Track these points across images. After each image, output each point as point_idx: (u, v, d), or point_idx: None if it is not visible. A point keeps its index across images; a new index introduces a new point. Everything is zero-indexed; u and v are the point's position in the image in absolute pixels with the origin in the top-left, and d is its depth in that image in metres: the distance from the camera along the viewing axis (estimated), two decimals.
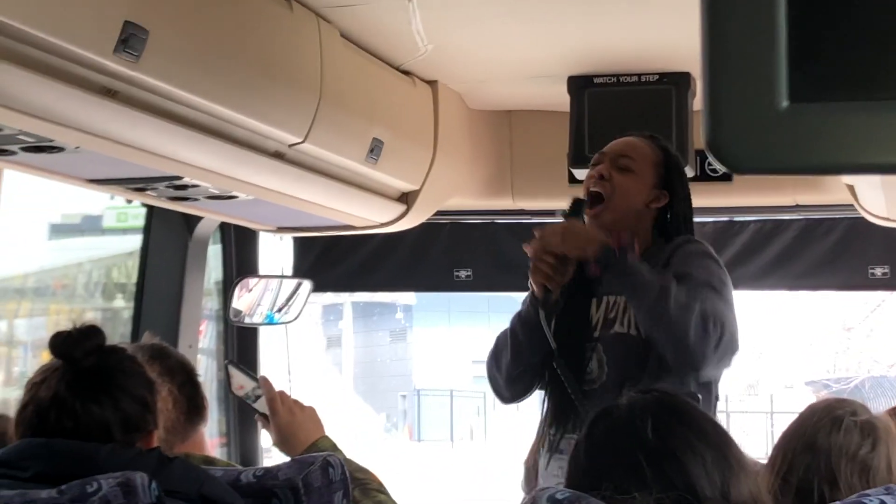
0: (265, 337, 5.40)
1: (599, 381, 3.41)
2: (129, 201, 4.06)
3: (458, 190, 4.66)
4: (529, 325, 3.44)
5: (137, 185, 3.52)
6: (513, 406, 3.67)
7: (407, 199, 4.37)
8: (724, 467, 1.85)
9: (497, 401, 3.70)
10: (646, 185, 3.50)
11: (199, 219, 4.51)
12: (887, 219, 4.33)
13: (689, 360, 3.24)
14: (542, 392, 3.55)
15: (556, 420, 3.47)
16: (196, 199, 3.75)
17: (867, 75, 0.87)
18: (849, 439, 2.66)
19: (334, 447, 3.01)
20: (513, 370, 3.50)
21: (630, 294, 3.32)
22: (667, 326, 3.21)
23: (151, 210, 4.51)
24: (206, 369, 5.20)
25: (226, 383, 5.02)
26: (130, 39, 2.55)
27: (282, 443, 3.02)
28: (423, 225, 4.64)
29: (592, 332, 3.44)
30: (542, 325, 3.38)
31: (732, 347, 3.29)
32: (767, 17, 0.86)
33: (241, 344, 5.11)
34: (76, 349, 2.39)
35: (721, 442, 1.87)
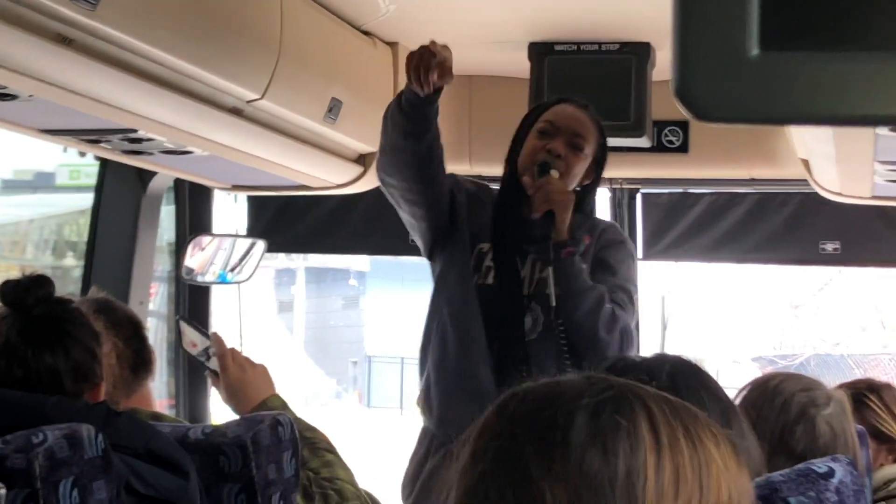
0: (217, 298, 5.37)
1: (529, 337, 3.49)
2: (83, 154, 4.01)
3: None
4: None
5: (91, 136, 3.48)
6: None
7: (364, 160, 4.35)
8: (726, 427, 1.86)
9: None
10: (585, 168, 3.63)
11: (152, 174, 4.46)
12: (840, 194, 4.35)
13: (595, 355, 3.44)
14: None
15: (503, 376, 3.50)
16: (151, 154, 3.72)
17: (838, 26, 0.86)
18: (797, 411, 2.67)
19: (284, 406, 3.00)
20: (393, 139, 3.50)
21: (570, 292, 3.46)
22: (591, 333, 3.45)
23: (105, 164, 4.46)
24: (156, 331, 5.17)
25: (176, 339, 4.99)
26: None
27: (231, 399, 3.00)
28: (379, 188, 4.61)
29: (522, 287, 3.58)
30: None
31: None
32: None
33: (192, 303, 5.07)
34: (27, 297, 2.37)
35: (730, 408, 1.89)
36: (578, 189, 3.65)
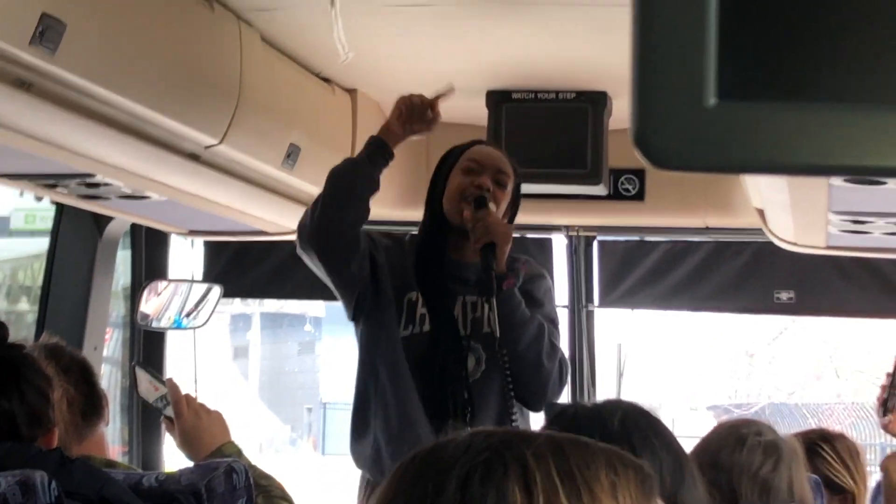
0: (172, 343, 5.34)
1: (473, 378, 3.50)
2: (39, 198, 3.99)
3: (373, 200, 4.64)
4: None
5: (48, 181, 3.47)
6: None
7: None
8: (677, 475, 1.85)
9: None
10: (503, 205, 3.66)
11: (109, 219, 4.45)
12: (794, 243, 4.39)
13: (541, 394, 3.53)
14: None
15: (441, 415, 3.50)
16: (108, 199, 3.71)
17: (794, 76, 0.87)
18: (751, 458, 2.69)
19: (239, 453, 2.98)
20: (332, 205, 3.54)
21: (514, 323, 3.48)
22: (536, 362, 3.50)
23: (61, 209, 4.44)
24: (110, 377, 5.13)
25: (131, 385, 4.96)
26: (47, 32, 2.51)
27: (186, 446, 2.98)
28: None
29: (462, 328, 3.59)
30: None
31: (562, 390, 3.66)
32: (697, 14, 0.86)
33: (147, 349, 5.04)
34: None
35: (681, 453, 1.88)
36: None
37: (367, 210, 3.58)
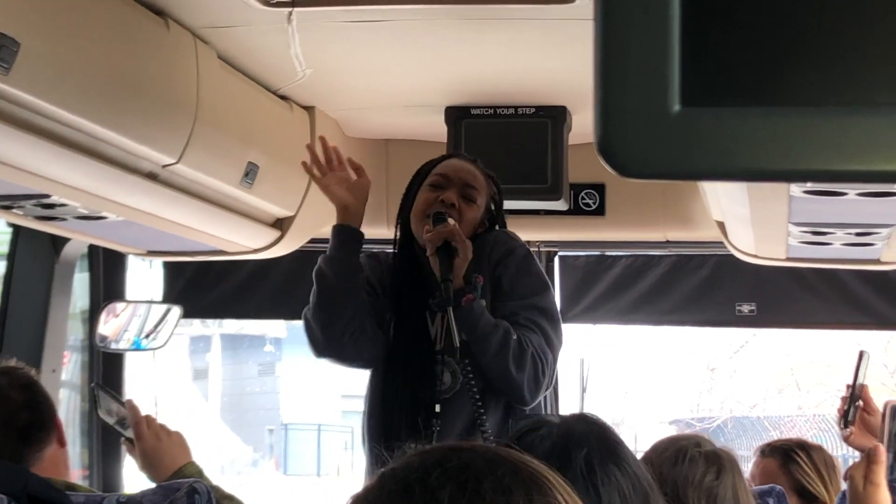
0: (131, 365, 5.30)
1: (452, 391, 3.48)
2: None
3: (333, 217, 4.61)
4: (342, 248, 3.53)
5: (3, 202, 3.43)
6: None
7: (281, 225, 4.33)
8: None
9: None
10: (479, 217, 3.63)
11: (66, 241, 4.41)
12: (755, 256, 4.40)
13: (519, 398, 3.49)
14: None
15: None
16: (64, 220, 3.67)
17: (759, 81, 0.87)
18: (693, 469, 2.70)
19: (201, 473, 2.96)
20: (329, 318, 3.53)
21: (475, 338, 3.44)
22: (503, 373, 3.45)
23: (17, 231, 4.40)
24: (69, 401, 5.09)
25: (90, 409, 4.91)
26: (1, 51, 2.48)
27: (147, 467, 2.95)
28: (296, 252, 4.59)
29: (433, 344, 3.56)
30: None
31: (552, 376, 3.59)
32: (660, 20, 0.86)
33: (106, 371, 5.01)
34: None
35: (647, 487, 1.87)
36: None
37: (360, 297, 3.56)
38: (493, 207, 3.68)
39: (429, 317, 3.57)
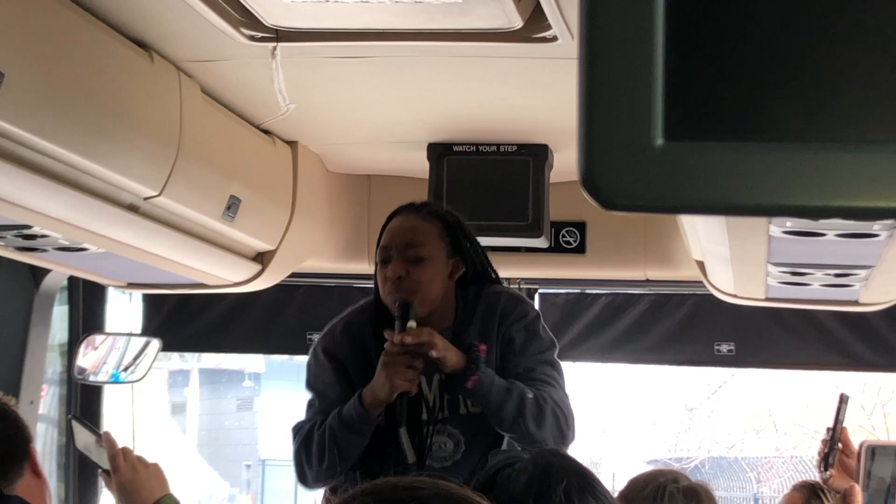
0: (109, 399, 5.29)
1: (453, 459, 3.43)
2: None
3: (314, 252, 4.64)
4: (352, 430, 3.36)
5: None
6: None
7: (262, 258, 4.33)
8: None
9: None
10: (442, 265, 3.46)
11: (46, 272, 4.40)
12: (734, 295, 4.41)
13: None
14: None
15: None
16: (45, 251, 3.67)
17: (742, 116, 0.88)
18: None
19: None
20: (329, 470, 3.41)
21: (491, 411, 3.34)
22: (525, 433, 3.31)
23: None
24: (46, 434, 5.07)
25: (67, 443, 4.89)
26: None
27: (124, 500, 2.94)
28: (277, 286, 4.60)
29: (432, 411, 3.44)
30: (367, 430, 3.34)
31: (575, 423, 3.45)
32: (645, 53, 0.87)
33: (84, 403, 5.00)
34: None
35: None
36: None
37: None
38: (463, 245, 3.51)
39: (424, 380, 3.42)
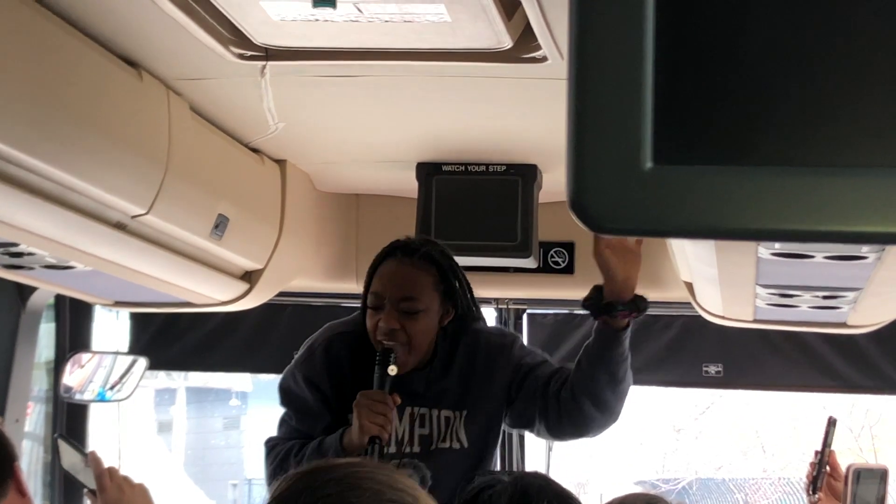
0: (95, 418, 5.27)
1: None
2: None
3: (302, 271, 4.63)
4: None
5: None
6: None
7: (250, 277, 4.32)
8: None
9: None
10: (435, 315, 3.50)
11: (32, 290, 4.39)
12: (723, 317, 4.41)
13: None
14: None
15: None
16: (32, 269, 3.65)
17: (731, 140, 0.88)
18: None
19: None
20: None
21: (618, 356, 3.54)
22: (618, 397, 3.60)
23: None
24: (31, 453, 5.05)
25: (53, 462, 4.87)
26: None
27: None
28: (265, 305, 4.59)
29: (401, 444, 3.47)
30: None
31: None
32: (633, 77, 0.86)
33: (70, 422, 4.98)
34: None
35: None
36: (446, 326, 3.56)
37: None
38: (455, 289, 3.54)
39: (395, 413, 3.39)
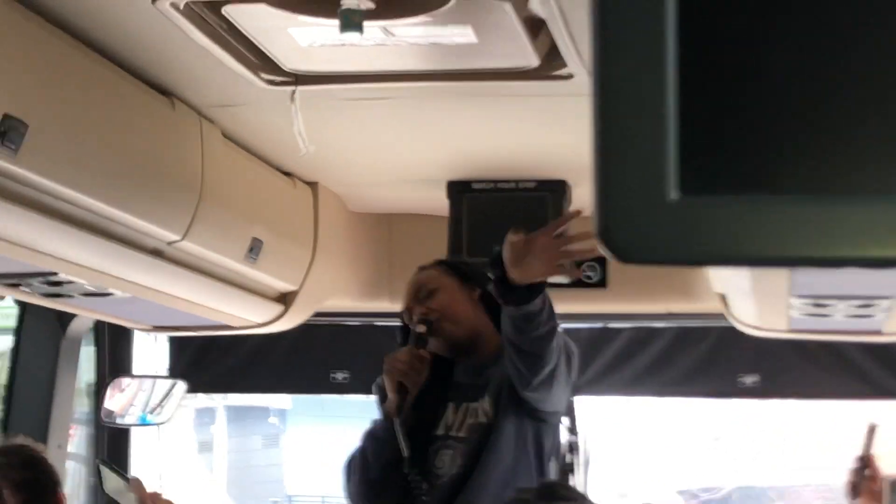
0: (137, 439, 5.31)
1: (448, 475, 3.50)
2: (1, 297, 3.98)
3: (336, 291, 4.65)
4: (379, 441, 3.61)
5: (11, 280, 3.45)
6: None
7: (285, 299, 4.35)
8: None
9: None
10: (455, 289, 3.73)
11: (72, 316, 4.43)
12: (757, 328, 4.41)
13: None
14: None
15: None
16: (71, 297, 3.70)
17: (757, 170, 0.88)
18: None
19: None
20: (361, 484, 3.65)
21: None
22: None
23: (24, 307, 4.43)
24: (75, 475, 5.09)
25: (96, 483, 4.91)
26: (9, 133, 2.52)
27: None
28: (300, 326, 4.61)
29: (447, 431, 3.60)
30: (391, 440, 3.55)
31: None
32: (659, 108, 0.88)
33: (112, 445, 5.02)
34: None
35: None
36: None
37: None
38: (470, 274, 3.77)
39: (452, 408, 3.66)
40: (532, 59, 2.95)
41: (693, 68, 0.90)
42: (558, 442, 3.88)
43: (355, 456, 3.66)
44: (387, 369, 3.60)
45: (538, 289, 3.33)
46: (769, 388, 5.15)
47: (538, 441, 3.65)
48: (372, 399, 3.84)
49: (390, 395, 3.57)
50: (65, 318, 4.46)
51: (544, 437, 3.66)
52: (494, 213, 4.26)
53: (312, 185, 4.26)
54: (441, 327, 3.65)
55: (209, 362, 5.30)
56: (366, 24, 2.59)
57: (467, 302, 3.72)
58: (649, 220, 0.90)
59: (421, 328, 3.58)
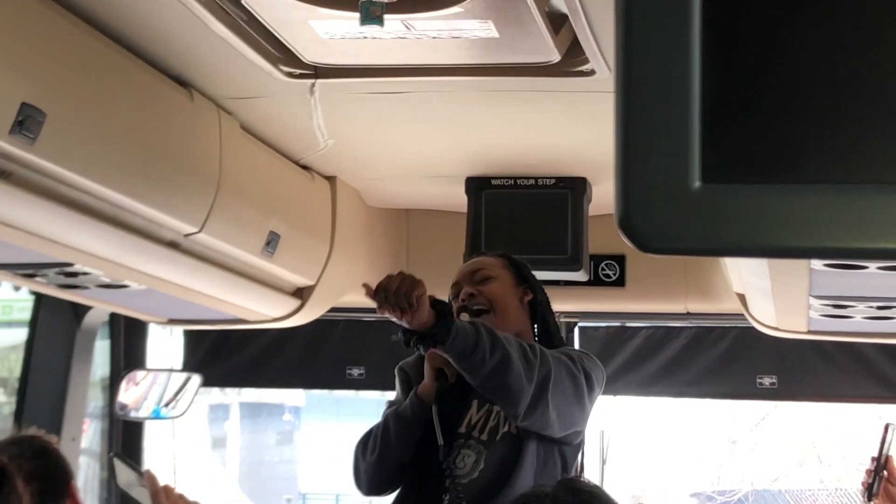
0: (150, 434, 5.30)
1: (469, 478, 3.47)
2: (17, 288, 3.97)
3: (353, 287, 4.62)
4: (405, 422, 3.52)
5: (27, 270, 3.45)
6: (372, 499, 3.72)
7: (302, 294, 4.33)
8: None
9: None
10: (509, 284, 3.64)
11: (87, 309, 4.43)
12: (776, 328, 4.38)
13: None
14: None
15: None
16: (86, 288, 3.69)
17: (779, 159, 0.87)
18: None
19: None
20: (377, 464, 3.56)
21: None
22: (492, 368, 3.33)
23: (39, 299, 4.42)
24: (88, 469, 5.09)
25: (109, 477, 4.91)
26: (27, 121, 2.51)
27: None
28: (316, 321, 4.60)
29: (470, 430, 3.51)
30: (417, 422, 3.48)
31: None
32: (681, 97, 0.86)
33: (126, 439, 5.01)
34: None
35: None
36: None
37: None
38: (528, 277, 3.71)
39: (476, 405, 3.56)
40: (553, 55, 2.93)
41: (716, 58, 0.89)
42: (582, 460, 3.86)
43: (375, 434, 3.57)
44: (429, 355, 3.45)
45: (445, 326, 3.25)
46: (787, 390, 5.13)
47: (563, 459, 3.61)
48: (387, 396, 3.82)
49: (427, 380, 3.50)
50: (80, 311, 4.45)
51: (568, 456, 3.62)
52: (513, 209, 4.25)
53: (330, 180, 4.24)
54: (486, 319, 3.57)
55: (224, 356, 5.30)
56: (386, 17, 2.57)
57: (517, 301, 3.66)
58: (671, 209, 0.88)
59: (465, 316, 3.50)
